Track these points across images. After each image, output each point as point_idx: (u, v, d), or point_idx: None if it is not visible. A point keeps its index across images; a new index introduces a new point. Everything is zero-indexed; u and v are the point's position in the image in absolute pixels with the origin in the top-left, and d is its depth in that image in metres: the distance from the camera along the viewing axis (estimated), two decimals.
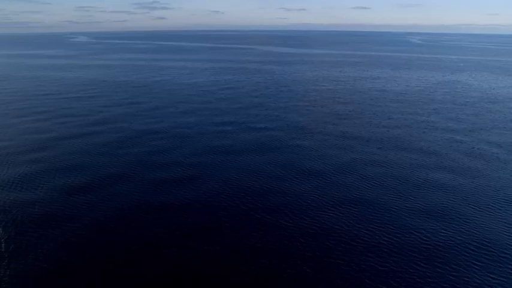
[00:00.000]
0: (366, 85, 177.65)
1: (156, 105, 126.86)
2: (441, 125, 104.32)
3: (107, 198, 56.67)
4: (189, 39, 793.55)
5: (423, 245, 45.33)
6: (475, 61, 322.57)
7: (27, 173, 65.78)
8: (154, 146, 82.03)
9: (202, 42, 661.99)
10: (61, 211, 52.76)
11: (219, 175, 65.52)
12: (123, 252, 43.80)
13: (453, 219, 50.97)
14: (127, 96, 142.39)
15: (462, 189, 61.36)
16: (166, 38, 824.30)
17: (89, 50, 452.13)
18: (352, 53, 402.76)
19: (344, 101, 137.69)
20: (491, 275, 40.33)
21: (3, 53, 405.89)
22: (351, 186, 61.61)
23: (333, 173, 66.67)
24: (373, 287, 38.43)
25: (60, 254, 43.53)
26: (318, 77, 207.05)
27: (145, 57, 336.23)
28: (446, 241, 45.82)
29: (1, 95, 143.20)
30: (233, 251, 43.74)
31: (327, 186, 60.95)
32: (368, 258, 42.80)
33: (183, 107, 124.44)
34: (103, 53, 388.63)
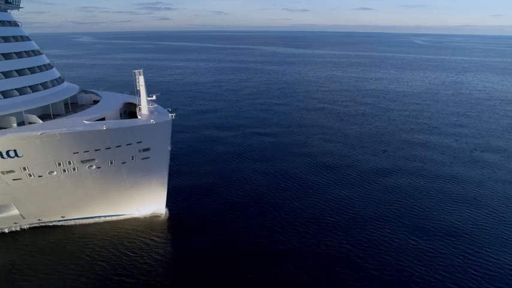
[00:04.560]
0: (369, 86, 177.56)
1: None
2: (444, 128, 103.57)
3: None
4: (192, 39, 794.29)
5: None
6: (479, 62, 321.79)
7: None
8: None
9: (206, 42, 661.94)
10: None
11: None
12: None
13: (457, 237, 49.58)
14: None
15: (466, 198, 60.30)
16: (169, 39, 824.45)
17: (93, 49, 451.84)
18: (355, 54, 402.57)
19: (346, 103, 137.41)
20: None
21: None
22: (353, 198, 59.55)
23: (334, 183, 65.01)
24: None
25: None
26: (321, 77, 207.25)
27: (148, 57, 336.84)
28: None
29: None
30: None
31: (327, 199, 59.10)
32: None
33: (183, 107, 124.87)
34: (107, 53, 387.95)
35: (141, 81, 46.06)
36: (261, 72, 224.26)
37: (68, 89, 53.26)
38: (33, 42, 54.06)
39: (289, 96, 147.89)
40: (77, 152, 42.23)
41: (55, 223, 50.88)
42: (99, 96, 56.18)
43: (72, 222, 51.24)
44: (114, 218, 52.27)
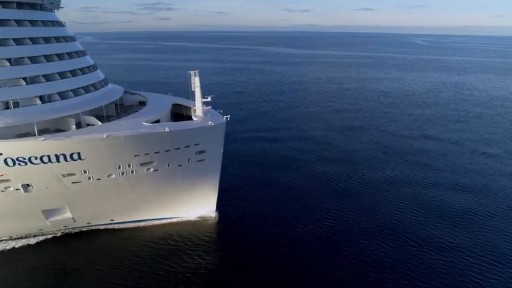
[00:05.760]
0: (369, 87, 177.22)
1: None
2: (445, 130, 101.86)
3: None
4: (193, 39, 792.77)
5: None
6: (481, 62, 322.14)
7: None
8: None
9: (207, 43, 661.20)
10: None
11: None
12: None
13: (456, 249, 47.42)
14: None
15: (467, 205, 58.18)
16: (170, 39, 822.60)
17: (94, 49, 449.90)
18: (356, 54, 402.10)
19: (348, 104, 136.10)
20: None
21: None
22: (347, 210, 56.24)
23: (329, 197, 60.64)
24: None
25: None
26: (321, 78, 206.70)
27: (149, 57, 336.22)
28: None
29: None
30: None
31: (324, 214, 55.18)
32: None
33: None
34: (109, 53, 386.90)
35: (196, 82, 45.40)
36: (262, 73, 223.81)
37: (115, 91, 52.58)
38: (77, 42, 53.32)
39: (292, 98, 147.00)
40: (138, 155, 41.54)
41: (104, 226, 50.13)
42: (144, 97, 55.51)
43: (120, 226, 50.52)
44: (163, 221, 51.54)
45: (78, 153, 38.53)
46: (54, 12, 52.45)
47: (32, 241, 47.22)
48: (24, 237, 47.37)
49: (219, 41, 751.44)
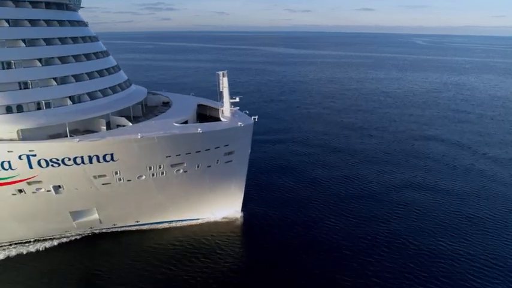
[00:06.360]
0: (370, 87, 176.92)
1: None
2: (445, 132, 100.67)
3: None
4: (193, 40, 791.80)
5: None
6: (481, 63, 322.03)
7: None
8: None
9: (208, 43, 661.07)
10: None
11: None
12: None
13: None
14: None
15: (465, 209, 56.70)
16: (171, 39, 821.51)
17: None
18: (356, 54, 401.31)
19: (348, 105, 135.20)
20: None
21: None
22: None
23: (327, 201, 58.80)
24: None
25: None
26: (322, 78, 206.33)
27: (150, 57, 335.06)
28: None
29: None
30: None
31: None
32: None
33: None
34: (110, 53, 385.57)
35: (224, 82, 45.09)
36: (262, 73, 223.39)
37: (139, 91, 52.28)
38: (100, 42, 52.99)
39: (293, 98, 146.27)
40: (169, 156, 41.18)
41: (129, 228, 49.76)
42: (167, 97, 55.21)
43: (146, 227, 50.15)
44: (188, 223, 51.19)
45: (111, 154, 38.17)
46: (78, 12, 52.12)
47: (57, 242, 46.85)
48: (49, 239, 46.97)
49: (219, 41, 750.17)
